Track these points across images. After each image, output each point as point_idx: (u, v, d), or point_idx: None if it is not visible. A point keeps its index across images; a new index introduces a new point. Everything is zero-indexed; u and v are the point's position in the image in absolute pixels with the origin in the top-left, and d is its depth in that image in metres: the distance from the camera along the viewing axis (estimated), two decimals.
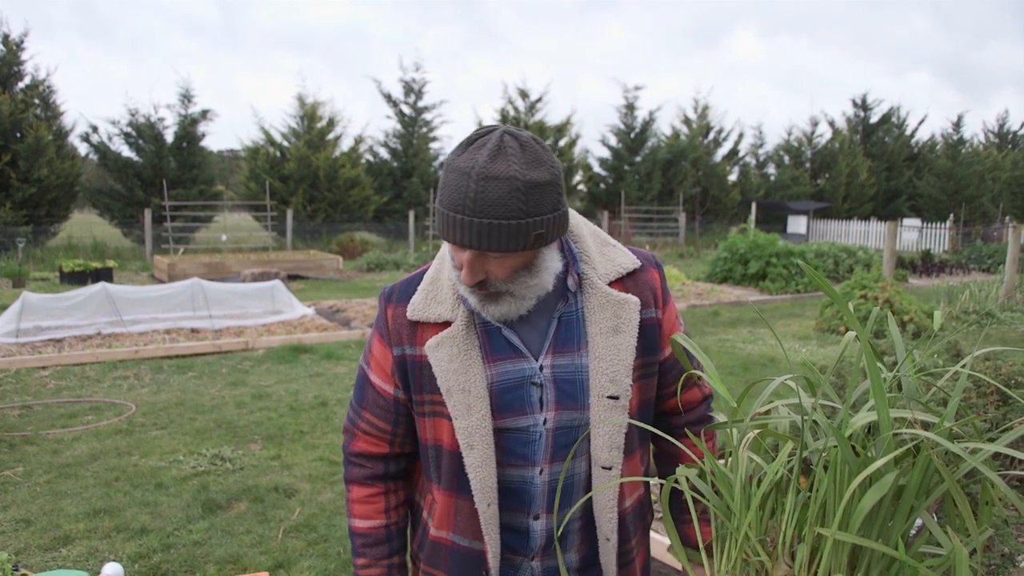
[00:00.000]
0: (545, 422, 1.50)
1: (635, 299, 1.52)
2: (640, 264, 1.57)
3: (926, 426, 1.18)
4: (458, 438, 1.47)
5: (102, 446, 5.52)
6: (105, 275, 14.92)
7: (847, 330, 1.28)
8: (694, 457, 1.34)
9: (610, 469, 1.51)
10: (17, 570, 3.44)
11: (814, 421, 1.23)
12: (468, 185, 1.31)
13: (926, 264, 19.33)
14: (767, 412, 1.33)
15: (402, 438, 1.62)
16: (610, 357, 1.49)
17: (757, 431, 1.22)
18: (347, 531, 1.64)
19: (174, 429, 5.95)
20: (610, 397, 1.49)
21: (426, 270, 1.58)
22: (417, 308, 1.51)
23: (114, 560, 3.82)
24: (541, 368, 1.50)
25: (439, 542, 1.60)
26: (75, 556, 3.90)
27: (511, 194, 1.30)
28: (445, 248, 1.51)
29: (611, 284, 1.53)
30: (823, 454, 1.16)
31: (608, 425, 1.50)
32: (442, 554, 1.60)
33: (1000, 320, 11.16)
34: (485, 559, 1.54)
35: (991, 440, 1.15)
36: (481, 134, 1.35)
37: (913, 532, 1.28)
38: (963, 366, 1.24)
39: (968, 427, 1.41)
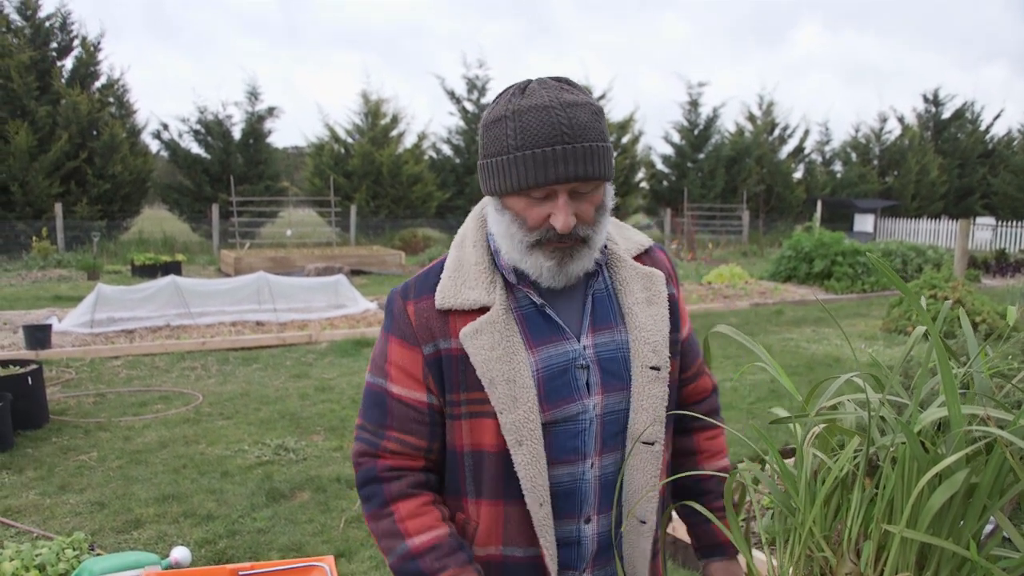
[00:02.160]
0: (594, 407, 1.41)
1: (660, 272, 1.49)
2: (652, 243, 1.56)
3: (1000, 424, 1.15)
4: (504, 434, 1.34)
5: (171, 434, 5.69)
6: (174, 268, 15.35)
7: (915, 328, 1.25)
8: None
9: (652, 444, 1.43)
10: (93, 549, 3.57)
11: (881, 417, 1.21)
12: (557, 115, 1.26)
13: (1000, 264, 18.66)
14: (833, 407, 1.31)
15: (437, 455, 1.45)
16: (650, 327, 1.44)
17: (822, 426, 1.20)
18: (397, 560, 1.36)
19: (239, 419, 6.10)
20: (652, 368, 1.42)
21: (439, 263, 1.45)
22: (447, 295, 1.38)
23: (182, 544, 3.94)
24: (584, 349, 1.41)
25: (488, 561, 1.43)
26: (145, 539, 4.03)
27: (593, 117, 1.29)
28: (464, 235, 1.46)
29: (634, 259, 1.51)
30: (890, 450, 1.14)
31: (651, 398, 1.42)
32: (492, 573, 1.44)
33: None
34: (544, 565, 1.40)
35: None
36: (518, 85, 1.33)
37: (986, 533, 1.24)
38: None
39: None
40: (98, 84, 22.82)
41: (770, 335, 9.98)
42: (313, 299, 10.60)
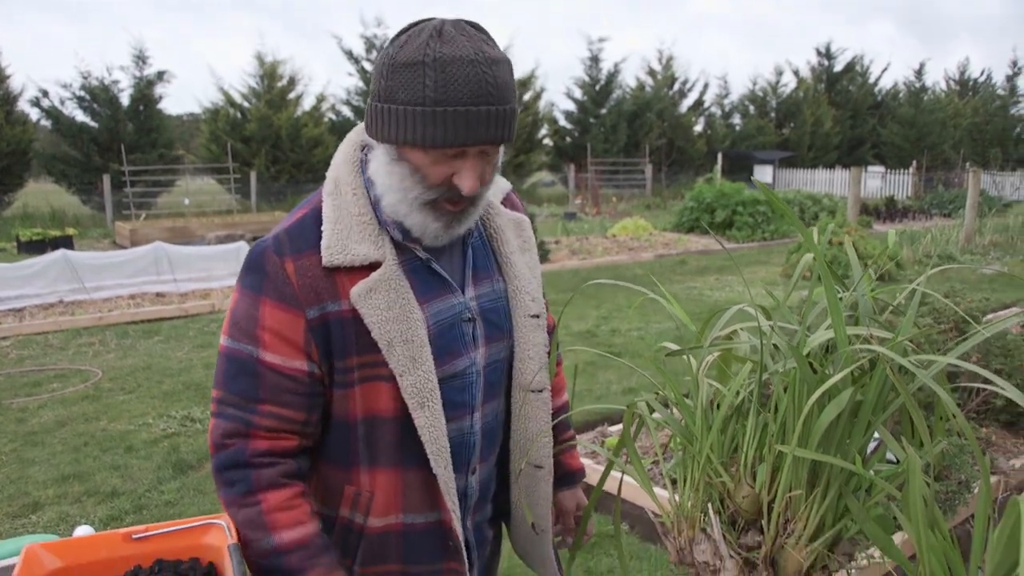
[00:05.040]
0: (479, 360, 1.40)
1: (526, 218, 1.51)
2: (510, 186, 1.54)
3: (883, 343, 1.20)
4: (405, 398, 1.27)
5: (69, 413, 5.47)
6: (65, 243, 14.62)
7: (811, 274, 1.30)
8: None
9: (541, 392, 1.45)
10: None
11: (774, 345, 1.24)
12: (483, 72, 1.16)
13: (890, 210, 19.56)
14: (728, 338, 1.34)
15: (313, 427, 1.32)
16: (526, 275, 1.45)
17: (716, 354, 1.23)
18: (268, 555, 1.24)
19: (142, 393, 5.90)
20: (533, 316, 1.44)
21: (310, 211, 1.31)
22: (334, 251, 1.25)
23: (86, 523, 3.80)
24: (469, 301, 1.39)
25: (387, 531, 1.36)
26: (45, 522, 3.88)
27: (511, 76, 1.22)
28: (337, 181, 1.32)
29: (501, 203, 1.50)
30: (781, 373, 1.17)
31: (535, 346, 1.44)
32: (391, 543, 1.37)
33: (960, 262, 11.37)
34: (450, 529, 1.36)
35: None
36: (432, 25, 1.19)
37: (871, 449, 1.30)
38: (919, 284, 1.25)
39: (926, 349, 1.43)
40: None
41: (675, 284, 10.22)
42: (214, 267, 10.30)
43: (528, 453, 1.46)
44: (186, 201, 20.83)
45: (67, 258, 9.42)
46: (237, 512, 1.26)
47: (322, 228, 1.27)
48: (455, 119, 1.15)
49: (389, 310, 1.25)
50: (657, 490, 2.97)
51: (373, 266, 1.27)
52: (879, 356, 1.10)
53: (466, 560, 1.40)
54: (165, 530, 1.19)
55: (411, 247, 1.33)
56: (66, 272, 9.29)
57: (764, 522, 1.20)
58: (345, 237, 1.26)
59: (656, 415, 1.35)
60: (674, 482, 1.41)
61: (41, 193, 24.10)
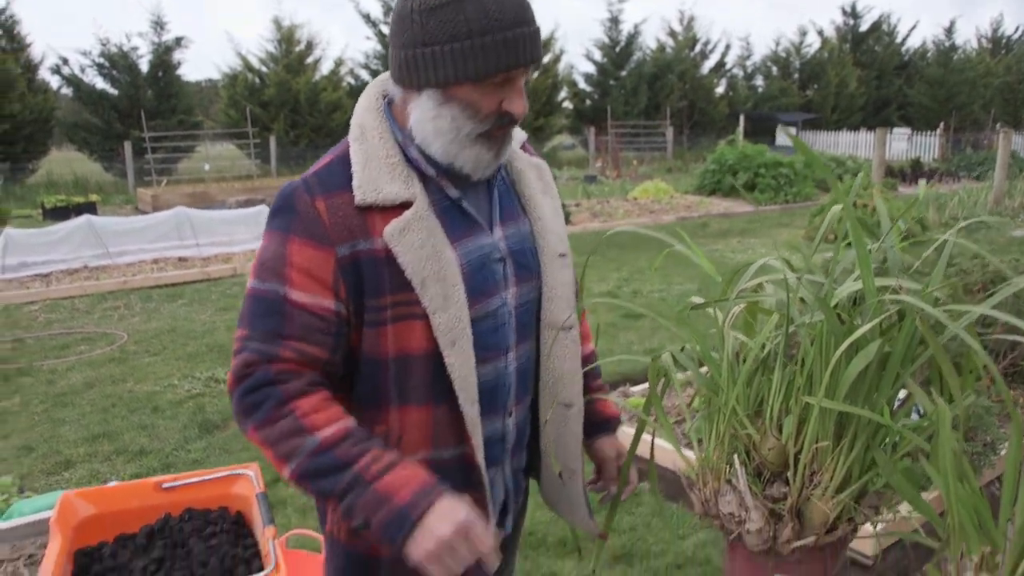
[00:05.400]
0: (510, 299, 1.40)
1: (545, 163, 1.53)
2: (525, 135, 1.54)
3: (912, 295, 1.18)
4: (437, 335, 1.27)
5: (96, 374, 5.55)
6: (89, 209, 14.70)
7: (835, 238, 1.28)
8: None
9: (570, 329, 1.45)
10: (22, 492, 3.49)
11: (800, 298, 1.23)
12: None
13: (915, 172, 19.27)
14: (754, 290, 1.33)
15: (335, 368, 1.32)
16: (551, 216, 1.47)
17: (742, 307, 1.22)
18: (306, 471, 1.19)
19: (167, 355, 5.97)
20: (560, 255, 1.45)
21: (337, 157, 1.33)
22: (367, 190, 1.25)
23: (116, 480, 3.88)
24: (498, 241, 1.39)
25: None
26: (77, 479, 3.95)
27: None
28: (363, 127, 1.33)
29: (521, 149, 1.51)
30: (807, 325, 1.16)
31: (563, 285, 1.44)
32: None
33: (989, 226, 11.21)
34: (475, 465, 1.36)
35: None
36: None
37: (899, 403, 1.29)
38: (950, 237, 1.23)
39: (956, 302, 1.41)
40: None
41: (697, 247, 10.15)
42: (236, 231, 10.35)
43: (558, 393, 1.46)
44: (206, 166, 20.89)
45: (91, 224, 9.51)
46: (271, 429, 1.22)
47: (352, 171, 1.28)
48: (504, 45, 1.19)
49: (422, 248, 1.26)
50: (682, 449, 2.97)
51: (405, 205, 1.27)
52: (908, 307, 1.09)
53: (489, 493, 1.39)
54: (194, 480, 1.21)
55: (442, 185, 1.33)
56: (90, 238, 9.38)
57: (790, 473, 1.20)
58: (376, 178, 1.27)
59: (682, 370, 1.35)
60: (699, 441, 1.41)
61: (64, 160, 24.25)
